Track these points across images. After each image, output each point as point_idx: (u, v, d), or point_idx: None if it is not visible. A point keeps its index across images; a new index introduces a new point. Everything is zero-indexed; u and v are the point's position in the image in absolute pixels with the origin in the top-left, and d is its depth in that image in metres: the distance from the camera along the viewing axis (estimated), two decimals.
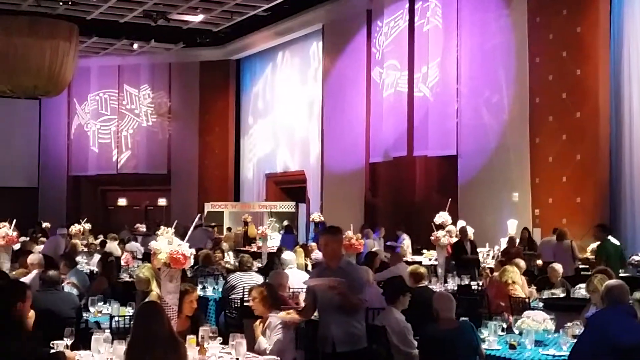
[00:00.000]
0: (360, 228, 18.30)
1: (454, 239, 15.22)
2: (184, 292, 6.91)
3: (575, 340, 6.82)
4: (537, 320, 7.84)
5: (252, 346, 7.01)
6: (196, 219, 7.82)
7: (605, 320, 6.34)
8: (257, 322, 7.39)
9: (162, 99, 32.29)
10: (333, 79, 25.08)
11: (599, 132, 17.47)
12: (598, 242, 14.48)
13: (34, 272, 10.23)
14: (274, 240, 20.69)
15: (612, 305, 6.48)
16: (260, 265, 15.24)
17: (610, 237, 14.44)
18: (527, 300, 10.32)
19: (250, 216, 25.50)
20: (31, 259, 10.80)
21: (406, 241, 19.72)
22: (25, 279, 9.53)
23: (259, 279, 11.39)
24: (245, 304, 10.23)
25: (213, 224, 25.60)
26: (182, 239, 6.34)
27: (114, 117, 32.71)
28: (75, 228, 19.72)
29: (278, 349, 6.97)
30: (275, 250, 15.61)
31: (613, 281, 7.01)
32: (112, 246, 17.56)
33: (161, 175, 31.87)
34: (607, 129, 17.59)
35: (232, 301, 10.67)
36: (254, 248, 21.00)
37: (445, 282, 12.92)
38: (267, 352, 6.91)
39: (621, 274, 13.10)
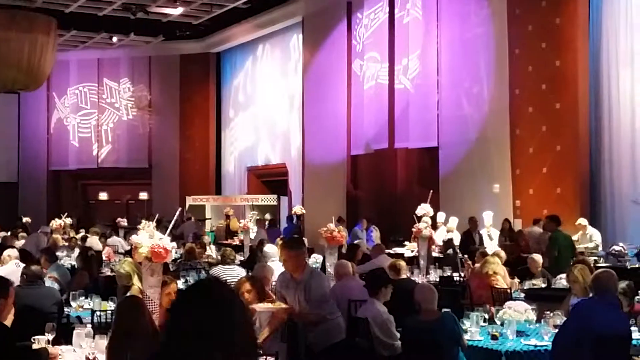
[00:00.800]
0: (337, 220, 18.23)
1: (438, 232, 15.27)
2: (162, 283, 6.89)
3: (556, 330, 6.87)
4: (518, 310, 7.88)
5: None
6: (177, 213, 7.80)
7: (590, 309, 6.39)
8: None
9: (142, 93, 32.14)
10: (314, 72, 25.05)
11: (578, 123, 17.57)
12: (549, 234, 14.62)
13: (10, 263, 10.24)
14: (256, 234, 20.67)
15: (598, 294, 6.53)
16: (242, 258, 15.24)
17: (560, 228, 14.63)
18: (508, 290, 10.37)
19: (232, 209, 25.47)
20: (7, 252, 10.82)
21: (374, 233, 19.75)
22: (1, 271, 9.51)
23: (242, 272, 11.40)
24: None
25: (203, 218, 25.52)
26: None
27: (93, 111, 32.54)
28: (55, 223, 19.62)
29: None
30: (257, 244, 15.60)
31: (601, 270, 7.06)
32: (94, 241, 17.47)
33: (142, 169, 31.75)
34: (586, 120, 17.69)
35: None
36: (236, 241, 20.98)
37: (427, 273, 12.95)
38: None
39: (601, 264, 13.20)
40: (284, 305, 7.06)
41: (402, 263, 10.48)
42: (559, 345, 6.33)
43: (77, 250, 15.20)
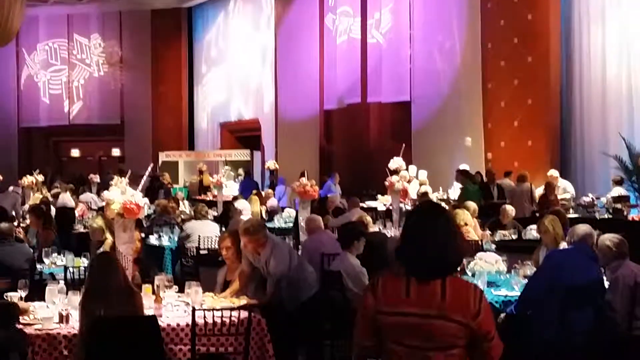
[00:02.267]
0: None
1: (412, 185, 15.30)
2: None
3: (526, 281, 6.97)
4: (489, 261, 7.96)
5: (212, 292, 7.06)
6: (149, 169, 7.79)
7: (564, 259, 6.49)
8: (224, 269, 7.41)
9: (113, 49, 31.79)
10: (286, 26, 24.88)
11: (550, 77, 17.65)
12: (460, 186, 14.83)
13: None
14: (229, 189, 20.67)
15: (575, 245, 6.63)
16: (215, 214, 15.25)
17: (470, 180, 15.13)
18: (479, 242, 10.46)
19: (205, 165, 25.41)
20: None
21: (333, 188, 19.79)
22: None
23: (215, 227, 11.43)
24: (201, 252, 10.28)
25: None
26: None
27: (64, 67, 32.18)
28: (27, 180, 19.46)
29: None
30: (230, 199, 15.62)
31: (582, 225, 7.12)
32: (66, 197, 17.38)
33: (114, 125, 31.52)
34: (557, 73, 17.78)
35: (188, 250, 10.69)
36: (209, 197, 20.96)
37: (400, 226, 13.01)
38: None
39: (571, 215, 13.35)
40: (244, 301, 6.91)
41: (368, 217, 10.52)
42: (530, 294, 6.43)
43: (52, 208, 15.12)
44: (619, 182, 15.39)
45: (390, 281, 3.50)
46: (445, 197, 17.44)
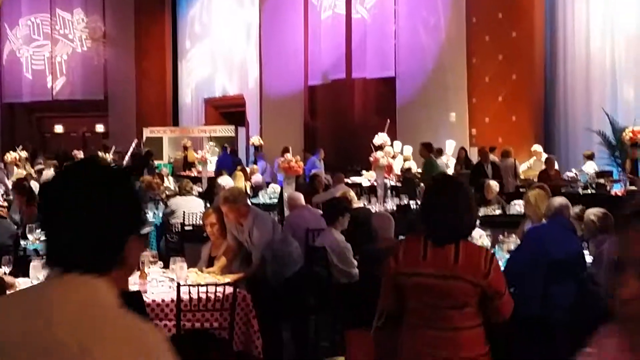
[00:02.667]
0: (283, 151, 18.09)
1: (396, 161, 15.34)
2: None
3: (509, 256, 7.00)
4: (473, 237, 7.98)
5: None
6: (133, 144, 7.76)
7: (543, 233, 6.51)
8: (208, 245, 7.40)
9: (96, 24, 31.57)
10: (270, 1, 24.75)
11: (534, 52, 17.66)
12: (424, 160, 14.97)
13: None
14: (214, 165, 20.63)
15: (553, 219, 6.66)
16: (200, 189, 15.23)
17: (432, 155, 15.29)
18: None
19: (190, 141, 25.34)
20: None
21: (318, 163, 19.79)
22: None
23: (200, 203, 11.41)
24: (186, 228, 10.27)
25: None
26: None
27: (46, 42, 31.94)
28: (10, 156, 19.35)
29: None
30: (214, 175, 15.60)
31: (557, 197, 7.16)
32: (50, 173, 17.27)
33: (98, 101, 31.36)
34: (542, 48, 17.79)
35: (173, 225, 10.68)
36: (194, 173, 20.91)
37: (384, 202, 13.06)
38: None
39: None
40: (229, 278, 6.86)
41: (352, 193, 10.54)
42: (512, 269, 6.46)
43: (33, 183, 15.05)
44: (589, 157, 15.53)
45: (409, 246, 3.91)
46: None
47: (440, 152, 17.00)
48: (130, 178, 1.97)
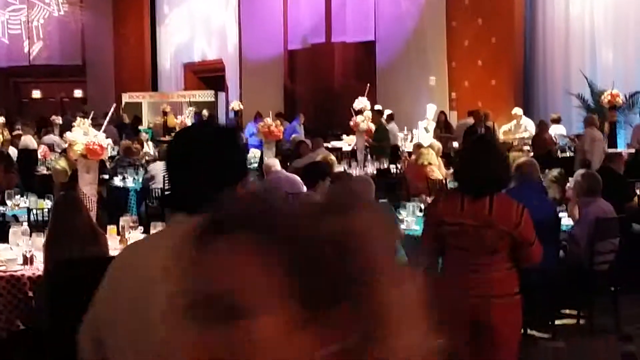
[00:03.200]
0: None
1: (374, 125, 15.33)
2: None
3: None
4: None
5: None
6: (111, 109, 7.72)
7: (517, 198, 6.55)
8: None
9: None
10: None
11: (513, 15, 17.65)
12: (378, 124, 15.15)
13: None
14: None
15: (522, 182, 6.70)
16: None
17: (383, 120, 15.69)
18: (444, 181, 10.55)
19: (169, 106, 25.20)
20: None
21: (298, 128, 19.77)
22: None
23: None
24: (166, 193, 10.26)
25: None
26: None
27: (22, 6, 31.53)
28: None
29: None
30: None
31: (523, 158, 7.23)
32: (28, 139, 17.17)
33: (76, 66, 31.08)
34: (521, 11, 17.78)
35: (152, 191, 10.67)
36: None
37: (365, 166, 13.09)
38: None
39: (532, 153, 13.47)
40: None
41: (332, 157, 10.54)
42: None
43: (12, 149, 14.97)
44: (556, 121, 15.62)
45: (448, 199, 4.50)
46: (409, 137, 17.51)
47: (391, 117, 17.17)
48: (238, 136, 2.41)
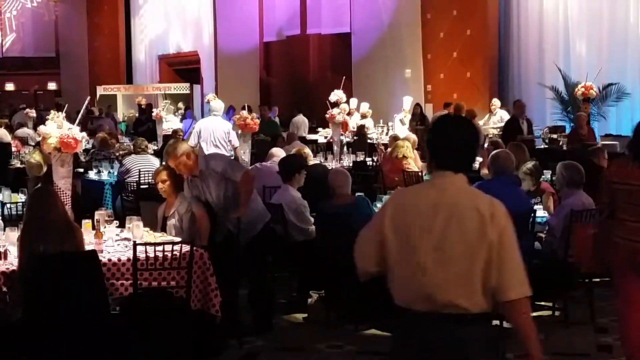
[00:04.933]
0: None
1: (352, 118, 15.33)
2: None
3: None
4: None
5: (153, 227, 6.95)
6: (86, 102, 7.66)
7: (489, 189, 6.57)
8: (163, 205, 7.28)
9: None
10: None
11: (488, 7, 17.74)
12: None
13: None
14: (169, 123, 20.43)
15: (497, 174, 6.73)
16: (155, 147, 15.12)
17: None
18: (420, 173, 10.57)
19: (144, 99, 25.08)
20: None
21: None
22: None
23: (155, 161, 11.30)
24: (141, 186, 10.20)
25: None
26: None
27: None
28: None
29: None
30: (170, 133, 15.49)
31: (498, 150, 7.26)
32: (1, 132, 17.01)
33: (49, 58, 30.90)
34: (496, 3, 17.89)
35: (128, 184, 10.60)
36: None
37: (341, 159, 13.08)
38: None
39: None
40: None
41: (307, 150, 10.51)
42: None
43: None
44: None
45: (621, 164, 5.22)
46: (385, 129, 17.54)
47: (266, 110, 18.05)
48: (473, 123, 3.85)
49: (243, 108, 12.08)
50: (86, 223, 6.44)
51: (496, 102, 16.43)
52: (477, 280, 3.17)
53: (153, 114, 18.97)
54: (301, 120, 18.62)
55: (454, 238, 3.19)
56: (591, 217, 6.66)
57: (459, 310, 3.16)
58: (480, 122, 16.11)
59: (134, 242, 5.99)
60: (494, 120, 16.18)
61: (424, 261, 3.18)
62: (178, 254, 5.90)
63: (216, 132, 12.48)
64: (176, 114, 22.80)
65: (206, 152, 9.77)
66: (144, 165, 10.86)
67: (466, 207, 3.24)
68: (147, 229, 6.73)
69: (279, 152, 9.70)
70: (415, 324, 3.23)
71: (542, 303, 7.06)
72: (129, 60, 30.62)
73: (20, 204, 7.97)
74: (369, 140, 15.98)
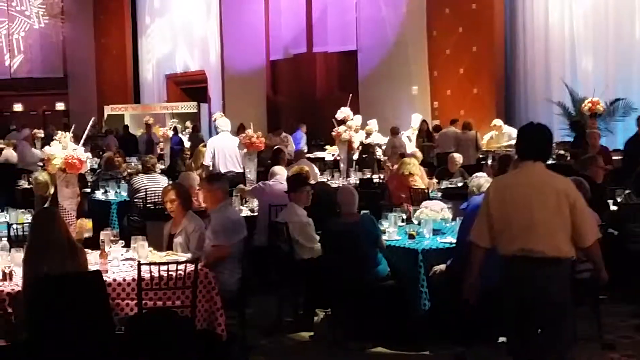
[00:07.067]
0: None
1: (358, 135, 15.30)
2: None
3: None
4: (434, 209, 8.03)
5: (158, 247, 6.94)
6: (90, 122, 7.66)
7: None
8: (169, 222, 7.28)
9: (54, 0, 31.15)
10: None
11: (494, 23, 17.74)
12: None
13: None
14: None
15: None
16: (163, 167, 15.13)
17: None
18: (426, 190, 10.54)
19: (152, 118, 25.11)
20: None
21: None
22: None
23: (163, 180, 11.30)
24: (148, 206, 10.19)
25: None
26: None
27: (3, 19, 31.44)
28: None
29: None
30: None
31: (478, 175, 7.24)
32: (9, 153, 17.09)
33: (57, 78, 31.01)
34: (501, 19, 17.88)
35: (135, 204, 10.59)
36: (157, 150, 20.70)
37: (348, 176, 13.07)
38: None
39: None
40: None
41: (307, 168, 10.46)
42: (464, 234, 6.48)
43: None
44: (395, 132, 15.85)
45: None
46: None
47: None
48: (548, 131, 5.00)
49: (242, 128, 12.07)
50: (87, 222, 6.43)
51: (497, 121, 16.41)
52: (561, 234, 4.74)
53: (161, 132, 19.02)
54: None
55: (540, 205, 4.72)
56: None
57: (545, 255, 4.71)
58: (487, 137, 16.12)
59: (139, 261, 5.98)
60: (504, 139, 16.12)
61: (522, 223, 4.73)
62: (183, 273, 5.89)
63: (227, 150, 12.61)
64: (184, 132, 22.82)
65: (221, 170, 9.88)
66: (152, 184, 10.86)
67: (546, 183, 4.78)
68: (151, 248, 6.72)
69: (280, 171, 9.71)
70: (516, 266, 4.80)
71: None
72: (136, 80, 30.72)
73: (27, 224, 7.97)
74: (375, 156, 15.97)
